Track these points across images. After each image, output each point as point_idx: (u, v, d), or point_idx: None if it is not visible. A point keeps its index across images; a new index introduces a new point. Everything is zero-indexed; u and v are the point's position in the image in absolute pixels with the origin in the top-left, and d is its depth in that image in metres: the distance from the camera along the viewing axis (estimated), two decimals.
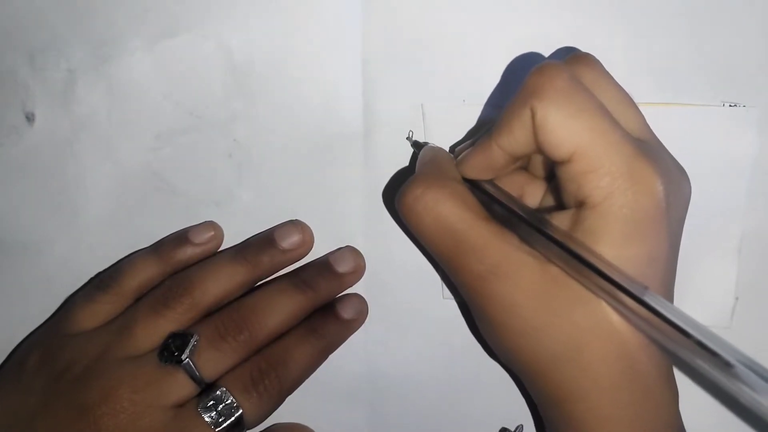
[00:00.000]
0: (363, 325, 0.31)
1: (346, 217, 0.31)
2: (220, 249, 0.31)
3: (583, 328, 0.22)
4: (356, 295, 0.31)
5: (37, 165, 0.31)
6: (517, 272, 0.23)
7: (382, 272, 0.31)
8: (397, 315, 0.31)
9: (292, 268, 0.31)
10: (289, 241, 0.30)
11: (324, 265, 0.30)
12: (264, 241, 0.30)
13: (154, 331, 0.28)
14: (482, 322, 0.25)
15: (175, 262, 0.30)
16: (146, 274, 0.30)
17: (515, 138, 0.23)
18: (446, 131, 0.29)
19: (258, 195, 0.31)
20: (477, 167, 0.25)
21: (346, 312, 0.30)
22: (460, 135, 0.29)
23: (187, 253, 0.30)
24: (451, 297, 0.30)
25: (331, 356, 0.30)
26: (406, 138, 0.29)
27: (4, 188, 0.32)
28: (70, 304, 0.31)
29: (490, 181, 0.25)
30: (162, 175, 0.31)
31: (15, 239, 0.32)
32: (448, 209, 0.24)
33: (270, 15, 0.29)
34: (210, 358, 0.27)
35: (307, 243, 0.30)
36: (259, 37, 0.30)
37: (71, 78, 0.31)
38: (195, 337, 0.27)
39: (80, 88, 0.31)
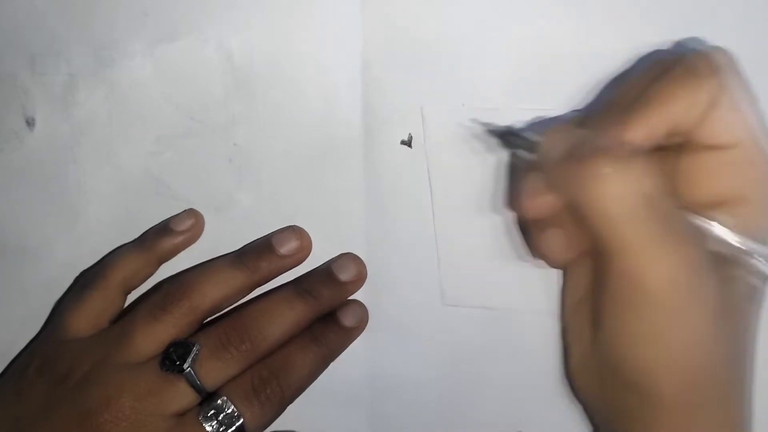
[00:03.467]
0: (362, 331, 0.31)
1: (347, 221, 0.30)
2: (219, 255, 0.31)
3: None
4: (357, 302, 0.30)
5: (38, 169, 0.31)
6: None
7: (382, 277, 0.30)
8: (396, 320, 0.31)
9: (293, 275, 0.30)
10: (288, 247, 0.30)
11: (326, 273, 0.30)
12: (262, 247, 0.30)
13: (153, 336, 0.28)
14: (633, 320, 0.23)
15: (158, 252, 0.30)
16: (131, 266, 0.30)
17: (680, 112, 0.23)
18: (446, 133, 0.29)
19: (258, 199, 0.31)
20: (640, 136, 0.23)
21: (347, 320, 0.30)
22: (459, 137, 0.29)
23: (170, 242, 0.30)
24: (452, 304, 0.30)
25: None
26: (401, 142, 0.29)
27: (5, 193, 0.32)
28: (61, 308, 0.31)
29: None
30: (162, 179, 0.31)
31: (16, 243, 0.32)
32: (651, 186, 0.22)
33: (270, 16, 0.29)
34: (212, 368, 0.27)
35: (306, 249, 0.30)
36: (259, 39, 0.29)
37: (72, 82, 0.31)
38: (197, 346, 0.27)
39: (81, 93, 0.31)
